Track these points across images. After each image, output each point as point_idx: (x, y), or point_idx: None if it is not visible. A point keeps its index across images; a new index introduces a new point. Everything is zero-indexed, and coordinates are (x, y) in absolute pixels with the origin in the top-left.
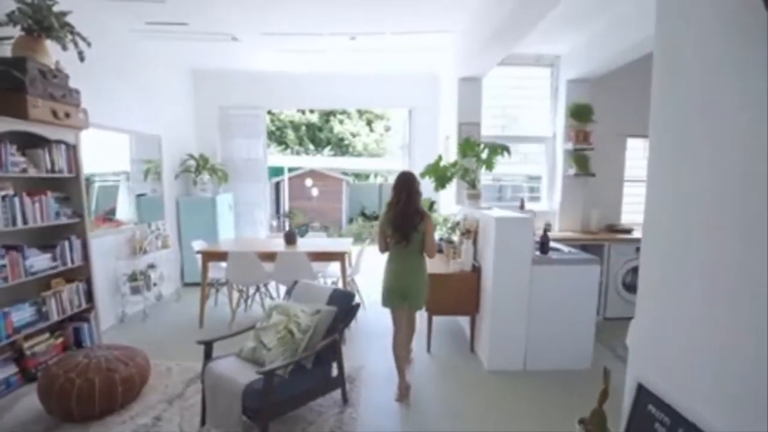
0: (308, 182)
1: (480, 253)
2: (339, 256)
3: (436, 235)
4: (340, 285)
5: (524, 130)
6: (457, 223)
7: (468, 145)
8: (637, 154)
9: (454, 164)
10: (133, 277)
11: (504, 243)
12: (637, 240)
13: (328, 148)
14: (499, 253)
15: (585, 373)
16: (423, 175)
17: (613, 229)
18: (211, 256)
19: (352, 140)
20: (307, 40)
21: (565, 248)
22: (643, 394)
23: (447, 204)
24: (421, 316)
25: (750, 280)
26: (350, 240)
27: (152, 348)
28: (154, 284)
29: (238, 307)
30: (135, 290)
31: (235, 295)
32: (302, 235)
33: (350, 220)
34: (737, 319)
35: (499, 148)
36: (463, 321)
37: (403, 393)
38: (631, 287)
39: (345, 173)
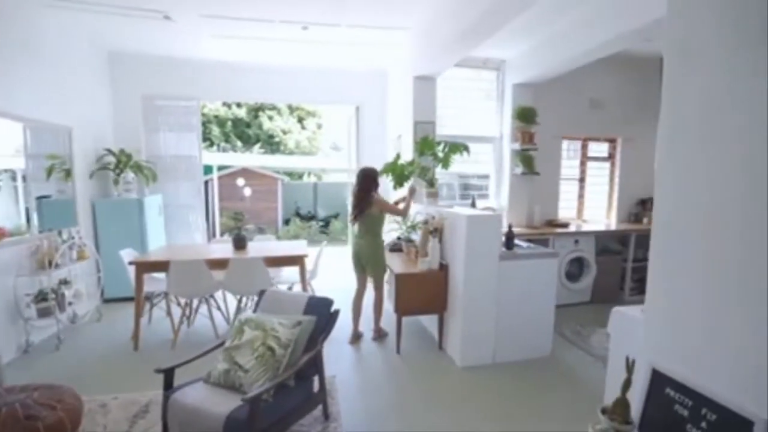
0: (240, 181)
1: (447, 251)
2: (298, 260)
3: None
4: (297, 290)
5: (472, 130)
6: (425, 222)
7: (426, 144)
8: (567, 154)
9: (411, 163)
10: (41, 297)
11: (475, 240)
12: (575, 233)
13: (258, 145)
14: (470, 251)
15: (546, 361)
16: (381, 173)
17: (553, 223)
18: (148, 266)
19: (284, 137)
20: (255, 27)
21: (524, 243)
22: (657, 378)
23: None
24: (390, 318)
25: (751, 273)
26: (304, 242)
27: (74, 381)
28: (69, 303)
29: (181, 323)
30: (44, 312)
31: (176, 309)
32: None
33: (286, 221)
34: (749, 306)
35: (459, 147)
36: (426, 320)
37: (379, 334)
38: (571, 276)
39: (277, 172)
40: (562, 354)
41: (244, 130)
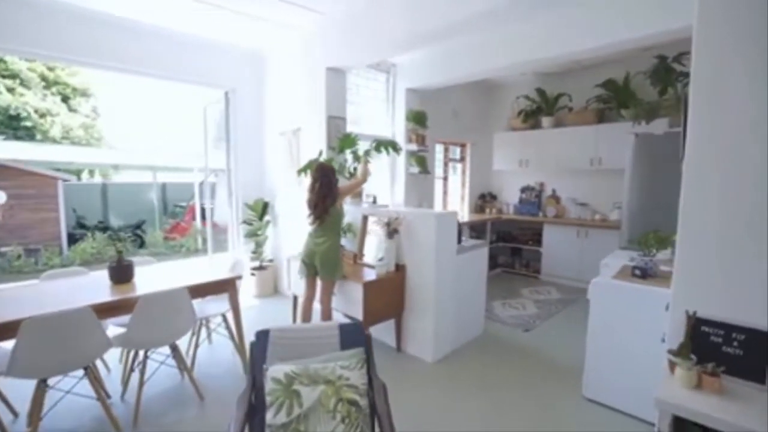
0: None
1: (404, 251)
2: (228, 285)
3: None
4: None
5: (367, 129)
6: (387, 224)
7: (347, 141)
8: (437, 155)
9: (330, 160)
10: None
11: (442, 238)
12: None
13: None
14: (439, 248)
15: (483, 337)
16: (301, 171)
17: None
18: None
19: (40, 121)
20: None
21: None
22: (695, 322)
23: None
24: None
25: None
26: (205, 258)
27: None
28: None
29: (39, 417)
30: None
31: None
32: None
33: (72, 238)
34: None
35: (387, 145)
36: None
37: None
38: None
39: (56, 168)
40: (489, 328)
41: None
